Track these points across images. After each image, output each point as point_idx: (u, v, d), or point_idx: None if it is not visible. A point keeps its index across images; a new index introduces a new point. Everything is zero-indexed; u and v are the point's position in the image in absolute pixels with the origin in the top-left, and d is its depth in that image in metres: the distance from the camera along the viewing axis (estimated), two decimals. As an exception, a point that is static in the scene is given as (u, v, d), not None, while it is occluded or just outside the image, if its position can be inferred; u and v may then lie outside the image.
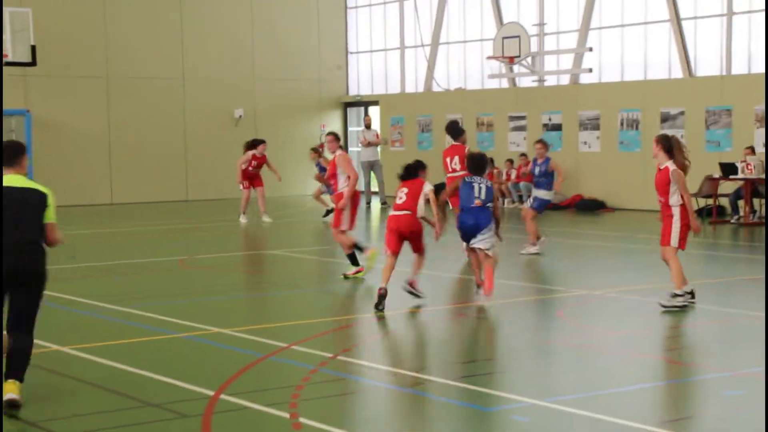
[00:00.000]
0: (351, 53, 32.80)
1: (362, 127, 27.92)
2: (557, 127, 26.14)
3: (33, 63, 24.22)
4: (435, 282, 12.39)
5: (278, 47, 31.07)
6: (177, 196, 29.42)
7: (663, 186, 11.29)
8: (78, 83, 28.07)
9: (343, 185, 14.09)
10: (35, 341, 7.70)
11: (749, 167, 20.51)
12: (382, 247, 12.42)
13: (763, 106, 21.31)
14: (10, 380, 7.40)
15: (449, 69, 29.85)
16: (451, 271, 14.56)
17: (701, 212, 21.44)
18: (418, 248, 11.95)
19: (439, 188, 12.72)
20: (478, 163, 12.15)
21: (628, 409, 7.41)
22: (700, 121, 23.21)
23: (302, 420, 7.13)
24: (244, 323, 10.90)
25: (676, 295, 11.34)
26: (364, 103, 32.07)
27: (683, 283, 11.37)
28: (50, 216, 7.65)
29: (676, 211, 11.28)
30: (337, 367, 8.92)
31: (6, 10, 23.49)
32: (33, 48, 24.03)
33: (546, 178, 16.57)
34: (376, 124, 29.42)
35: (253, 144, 22.55)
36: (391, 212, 11.97)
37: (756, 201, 21.34)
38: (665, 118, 23.76)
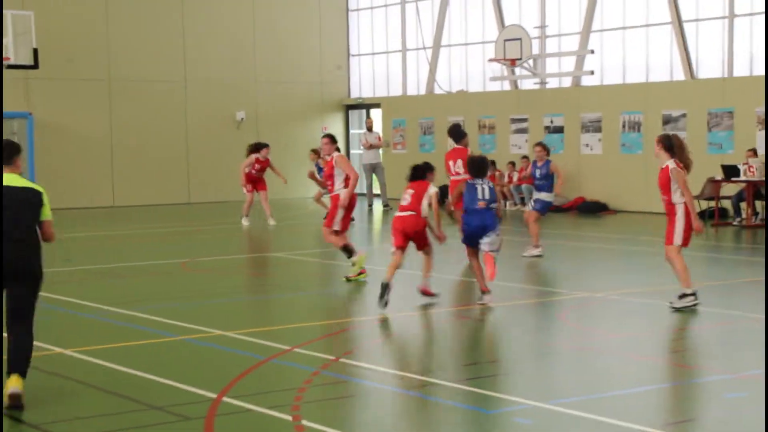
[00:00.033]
0: (353, 56, 32.81)
1: (364, 130, 27.92)
2: (559, 130, 26.14)
3: (35, 66, 24.26)
4: (436, 284, 12.39)
5: (280, 50, 31.09)
6: (179, 199, 29.43)
7: (665, 184, 11.37)
8: (80, 86, 28.10)
9: (339, 186, 14.06)
10: (37, 344, 7.72)
11: (751, 169, 20.50)
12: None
13: (764, 108, 21.30)
14: (13, 374, 7.49)
15: (451, 71, 29.86)
16: (453, 273, 14.57)
17: (703, 214, 21.43)
18: (423, 245, 12.11)
19: (441, 191, 12.78)
20: (479, 166, 12.20)
21: (630, 412, 7.40)
22: (701, 123, 23.20)
23: (304, 422, 7.13)
24: (246, 326, 10.90)
25: (685, 295, 11.36)
26: (366, 106, 32.07)
27: (690, 281, 11.40)
28: (47, 214, 7.81)
29: (679, 209, 11.33)
30: (339, 369, 8.92)
31: (8, 13, 23.54)
32: (35, 51, 24.07)
33: (547, 181, 16.57)
34: (377, 127, 29.43)
35: (256, 147, 22.51)
36: (397, 213, 12.08)
37: (758, 203, 21.33)
38: (667, 121, 23.76)
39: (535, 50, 25.84)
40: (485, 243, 11.78)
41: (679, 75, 24.28)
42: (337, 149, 14.43)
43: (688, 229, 11.35)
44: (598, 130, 25.30)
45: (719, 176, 21.27)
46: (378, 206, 26.78)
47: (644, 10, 25.02)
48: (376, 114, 31.20)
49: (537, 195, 16.71)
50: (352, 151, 32.36)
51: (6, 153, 7.80)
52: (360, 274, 13.87)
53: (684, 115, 23.51)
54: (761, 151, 21.26)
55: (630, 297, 12.46)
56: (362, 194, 27.79)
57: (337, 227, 14.02)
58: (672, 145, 11.42)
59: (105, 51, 28.47)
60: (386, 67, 32.05)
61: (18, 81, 26.57)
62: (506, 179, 26.43)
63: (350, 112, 32.74)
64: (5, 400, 7.43)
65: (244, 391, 8.01)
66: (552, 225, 20.80)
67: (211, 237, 20.63)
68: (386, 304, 11.51)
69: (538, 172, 16.65)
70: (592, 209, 24.73)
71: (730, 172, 20.93)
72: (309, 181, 22.34)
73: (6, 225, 7.58)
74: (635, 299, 12.31)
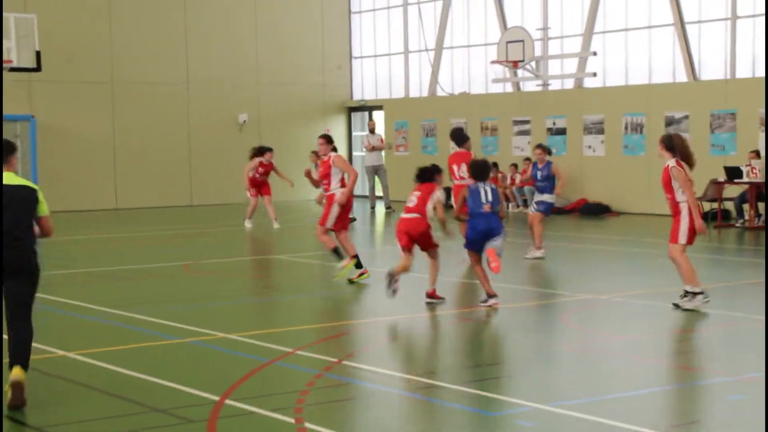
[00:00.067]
0: (355, 58, 32.82)
1: (366, 132, 27.93)
2: (561, 132, 26.14)
3: (38, 68, 24.28)
4: (437, 286, 12.38)
5: (282, 52, 31.11)
6: (181, 201, 29.44)
7: (666, 183, 11.45)
8: (82, 88, 28.11)
9: (335, 186, 14.03)
10: (40, 346, 7.75)
11: (754, 171, 20.49)
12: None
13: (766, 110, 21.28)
14: (15, 366, 7.56)
15: (453, 73, 29.86)
16: (454, 275, 14.55)
17: (706, 216, 21.41)
18: (428, 247, 12.17)
19: (445, 192, 12.81)
20: (481, 170, 12.24)
21: (633, 414, 7.40)
22: (704, 124, 23.19)
23: (307, 425, 7.13)
24: (248, 328, 10.90)
25: (691, 294, 11.36)
26: (369, 108, 32.08)
27: (697, 280, 11.40)
28: (44, 209, 7.91)
29: (683, 208, 11.35)
30: (342, 371, 8.91)
31: (11, 16, 23.57)
32: (38, 53, 24.10)
33: (548, 182, 16.58)
34: (380, 129, 29.43)
35: (259, 151, 22.43)
36: (402, 214, 12.11)
37: (761, 205, 21.31)
38: (670, 122, 23.75)
39: (538, 52, 25.84)
40: (491, 243, 11.79)
41: (682, 77, 24.27)
42: (334, 149, 14.38)
43: (693, 228, 11.37)
44: (601, 131, 25.29)
45: (722, 178, 21.26)
46: (380, 208, 26.77)
47: (647, 11, 25.02)
48: (378, 116, 31.20)
49: (539, 197, 16.71)
50: (354, 153, 32.37)
51: (7, 152, 7.88)
52: (362, 274, 13.87)
53: (687, 117, 23.50)
54: (764, 153, 21.25)
55: (633, 299, 12.45)
56: (365, 196, 27.86)
57: (330, 225, 14.00)
58: (673, 144, 11.46)
59: (107, 53, 28.49)
60: (389, 69, 32.05)
61: (21, 84, 26.60)
62: (509, 181, 26.43)
63: (353, 114, 32.75)
64: (7, 392, 7.48)
65: (246, 394, 8.01)
66: (555, 227, 20.79)
67: (213, 239, 20.63)
68: (395, 292, 11.64)
69: (539, 174, 16.65)
70: (595, 211, 24.72)
71: (733, 173, 20.92)
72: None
73: (6, 224, 7.67)
74: (639, 301, 12.30)
